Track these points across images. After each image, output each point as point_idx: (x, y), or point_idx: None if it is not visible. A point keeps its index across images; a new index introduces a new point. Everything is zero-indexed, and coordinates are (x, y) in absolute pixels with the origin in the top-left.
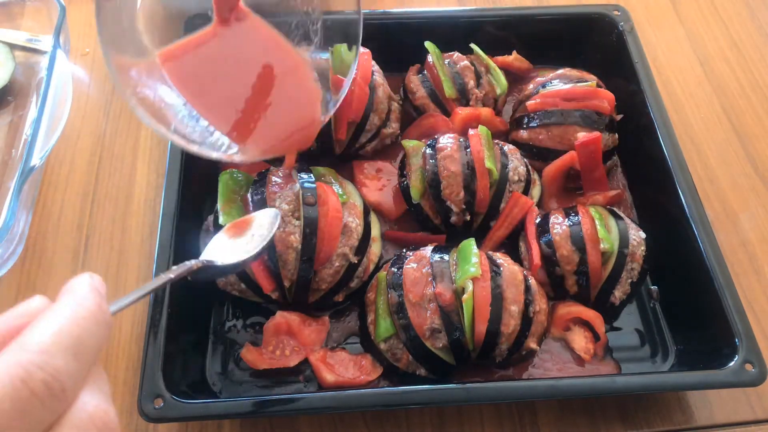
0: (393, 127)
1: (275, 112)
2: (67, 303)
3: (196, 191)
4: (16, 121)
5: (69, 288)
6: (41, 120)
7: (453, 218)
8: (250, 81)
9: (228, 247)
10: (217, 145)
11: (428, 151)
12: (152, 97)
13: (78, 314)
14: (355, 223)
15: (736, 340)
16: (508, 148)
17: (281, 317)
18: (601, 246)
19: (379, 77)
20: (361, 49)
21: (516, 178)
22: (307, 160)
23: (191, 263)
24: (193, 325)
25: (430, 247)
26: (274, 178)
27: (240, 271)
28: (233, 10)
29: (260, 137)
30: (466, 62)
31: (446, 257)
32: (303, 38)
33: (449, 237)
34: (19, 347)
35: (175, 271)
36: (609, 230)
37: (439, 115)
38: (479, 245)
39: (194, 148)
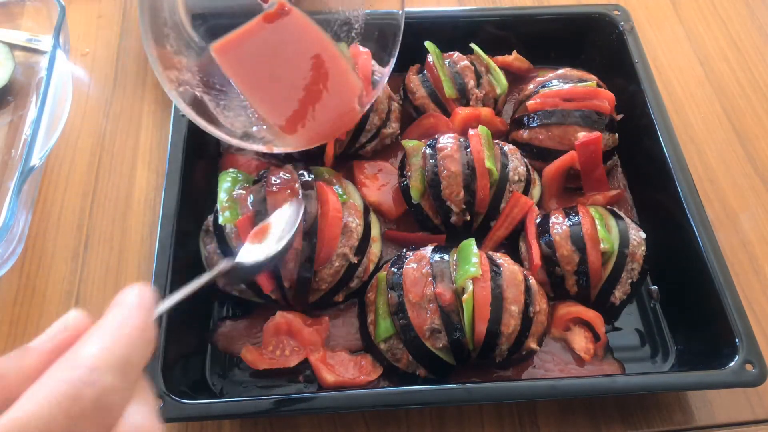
0: (393, 127)
1: (321, 103)
2: (115, 319)
3: (196, 191)
4: (15, 121)
5: (118, 301)
6: (41, 120)
7: (453, 218)
8: (300, 74)
9: (254, 251)
10: (258, 137)
11: (428, 151)
12: (194, 89)
13: (126, 332)
14: (355, 223)
15: (737, 340)
16: (508, 148)
17: (281, 317)
18: (601, 246)
19: None
20: (363, 49)
21: (516, 178)
22: (306, 160)
23: (222, 265)
24: (193, 325)
25: (430, 247)
26: (273, 178)
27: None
28: None
29: (307, 127)
30: (466, 62)
31: (446, 257)
32: (342, 27)
33: (449, 237)
34: (69, 364)
35: (207, 275)
36: (609, 230)
37: (439, 115)
38: (479, 245)
39: (235, 141)
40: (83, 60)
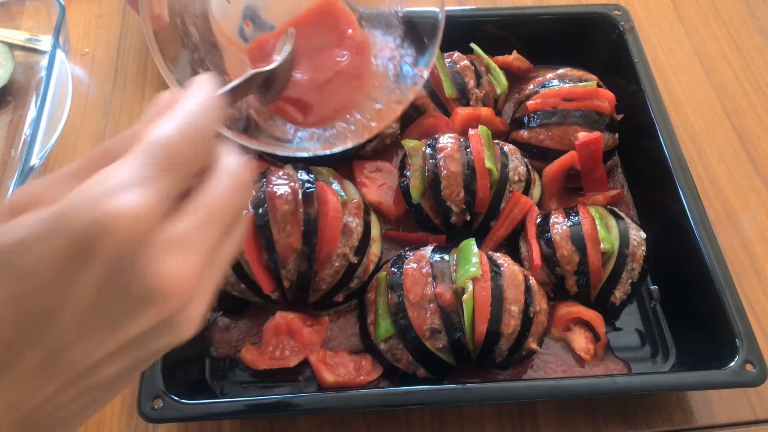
0: (393, 127)
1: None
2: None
3: None
4: (15, 121)
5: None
6: (40, 120)
7: (453, 218)
8: (327, 76)
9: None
10: (284, 140)
11: (428, 151)
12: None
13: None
14: (355, 223)
15: (737, 340)
16: (508, 148)
17: (281, 317)
18: (602, 246)
19: None
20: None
21: (516, 178)
22: (307, 160)
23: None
24: None
25: (430, 247)
26: (273, 178)
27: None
28: None
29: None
30: (466, 62)
31: (446, 257)
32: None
33: (449, 237)
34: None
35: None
36: (609, 230)
37: (439, 115)
38: (479, 245)
39: (254, 144)
40: (83, 60)
